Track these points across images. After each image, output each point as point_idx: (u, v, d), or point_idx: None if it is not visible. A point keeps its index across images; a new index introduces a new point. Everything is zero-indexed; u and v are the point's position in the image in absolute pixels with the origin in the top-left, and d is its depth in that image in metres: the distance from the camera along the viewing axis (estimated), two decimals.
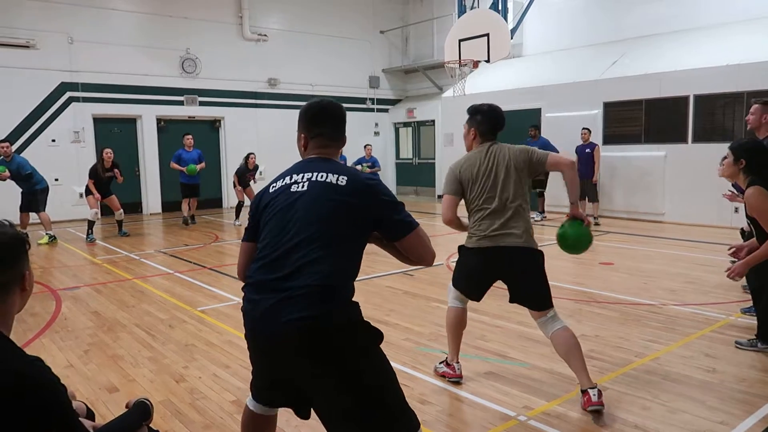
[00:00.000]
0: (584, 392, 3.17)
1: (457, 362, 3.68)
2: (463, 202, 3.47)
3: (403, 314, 5.20)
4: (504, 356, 4.12)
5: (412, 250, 2.14)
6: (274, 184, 2.23)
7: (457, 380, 3.64)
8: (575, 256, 7.61)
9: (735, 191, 6.11)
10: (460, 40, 10.67)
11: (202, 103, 14.37)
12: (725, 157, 6.01)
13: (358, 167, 13.63)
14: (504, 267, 3.33)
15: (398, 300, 5.71)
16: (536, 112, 12.53)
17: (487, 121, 3.53)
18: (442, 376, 3.72)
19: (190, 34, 13.96)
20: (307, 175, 2.15)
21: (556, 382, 3.63)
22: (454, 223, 3.51)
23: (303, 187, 2.12)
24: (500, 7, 11.03)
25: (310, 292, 1.93)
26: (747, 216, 3.85)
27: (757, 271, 3.85)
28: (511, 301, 3.42)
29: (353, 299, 2.06)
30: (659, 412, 3.19)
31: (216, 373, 3.89)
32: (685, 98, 10.22)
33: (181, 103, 14.07)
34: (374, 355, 2.05)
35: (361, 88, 17.25)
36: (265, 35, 15.13)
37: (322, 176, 2.12)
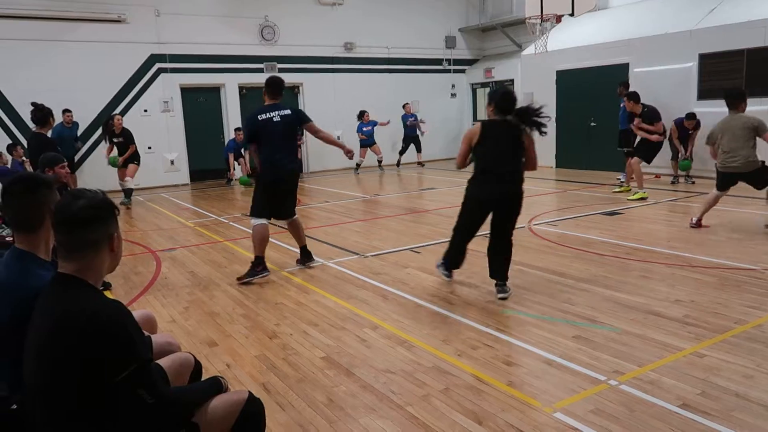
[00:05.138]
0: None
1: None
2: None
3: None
4: (593, 320, 4.03)
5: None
6: None
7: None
8: (668, 219, 7.20)
9: None
10: None
11: (281, 70, 14.59)
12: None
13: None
14: None
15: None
16: (623, 68, 11.84)
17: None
18: None
19: (267, 1, 14.14)
20: None
21: (648, 347, 3.52)
22: None
23: None
24: None
25: None
26: None
27: None
28: None
29: None
30: (764, 381, 3.03)
31: (306, 331, 4.06)
32: None
33: (261, 70, 14.36)
34: None
35: (437, 49, 16.93)
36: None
37: None
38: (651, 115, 8.83)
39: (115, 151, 10.48)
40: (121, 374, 1.65)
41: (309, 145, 15.00)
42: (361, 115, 14.52)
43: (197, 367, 2.43)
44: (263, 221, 5.36)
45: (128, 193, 10.43)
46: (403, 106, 15.04)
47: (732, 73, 10.21)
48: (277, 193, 5.39)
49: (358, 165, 14.70)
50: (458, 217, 4.74)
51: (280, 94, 5.39)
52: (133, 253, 6.73)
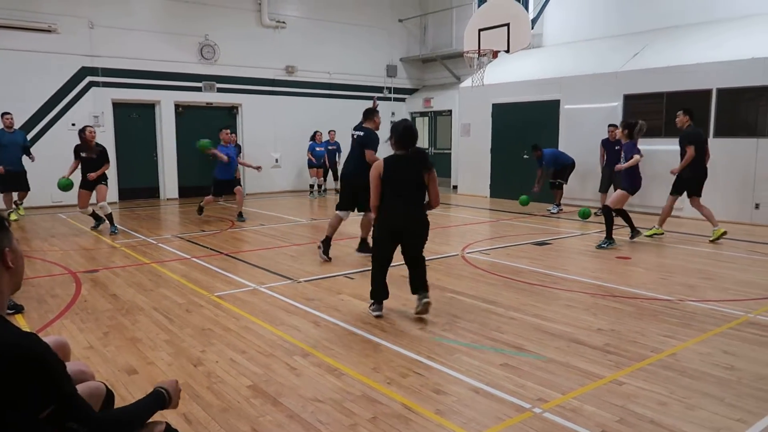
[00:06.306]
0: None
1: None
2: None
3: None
4: (520, 348, 4.11)
5: None
6: None
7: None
8: (594, 250, 7.49)
9: None
10: (479, 30, 10.57)
11: (220, 90, 14.41)
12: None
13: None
14: None
15: None
16: (555, 104, 12.41)
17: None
18: None
19: (208, 20, 13.98)
20: None
21: (571, 375, 3.62)
22: None
23: None
24: None
25: None
26: None
27: None
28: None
29: None
30: (677, 408, 3.17)
31: (233, 358, 3.93)
32: (707, 92, 10.06)
33: (199, 89, 14.12)
34: None
35: (378, 77, 17.19)
36: (284, 22, 15.10)
37: None
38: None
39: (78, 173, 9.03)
40: (44, 411, 1.56)
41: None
42: (313, 135, 14.48)
43: (109, 396, 2.30)
44: (336, 212, 7.02)
45: (99, 219, 9.29)
46: (328, 133, 14.92)
47: (653, 114, 10.88)
48: (344, 188, 7.11)
49: (318, 186, 14.72)
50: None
51: (365, 118, 7.11)
52: (51, 274, 6.37)
